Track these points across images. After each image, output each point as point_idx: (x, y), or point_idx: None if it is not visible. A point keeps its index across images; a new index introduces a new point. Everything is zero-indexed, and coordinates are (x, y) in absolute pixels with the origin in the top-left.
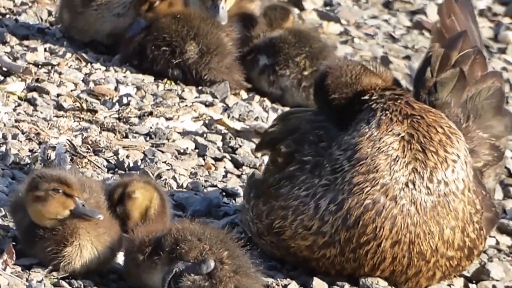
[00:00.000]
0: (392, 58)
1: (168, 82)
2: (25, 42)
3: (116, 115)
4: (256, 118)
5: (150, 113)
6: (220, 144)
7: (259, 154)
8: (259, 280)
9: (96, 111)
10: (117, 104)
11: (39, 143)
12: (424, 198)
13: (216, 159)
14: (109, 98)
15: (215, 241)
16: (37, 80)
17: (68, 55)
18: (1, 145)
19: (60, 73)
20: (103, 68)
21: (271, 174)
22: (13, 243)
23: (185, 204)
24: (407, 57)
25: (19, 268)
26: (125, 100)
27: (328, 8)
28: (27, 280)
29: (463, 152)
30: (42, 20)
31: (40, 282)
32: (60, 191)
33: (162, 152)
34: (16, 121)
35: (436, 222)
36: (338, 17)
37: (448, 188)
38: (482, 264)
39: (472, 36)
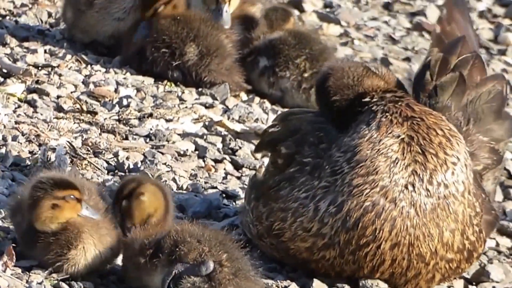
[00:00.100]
0: (392, 59)
1: (168, 83)
2: (25, 44)
3: (116, 117)
4: (256, 120)
5: (150, 115)
6: (220, 145)
7: (258, 155)
8: (258, 282)
9: (96, 113)
10: (117, 105)
11: (39, 145)
12: (424, 200)
13: (216, 161)
14: (109, 100)
15: (214, 243)
16: (37, 82)
17: (68, 56)
18: (1, 146)
19: (60, 75)
20: (103, 69)
21: (271, 175)
22: (13, 245)
23: (185, 205)
24: (407, 59)
25: (19, 270)
26: (125, 102)
27: (328, 9)
28: (27, 281)
29: (463, 154)
30: (42, 21)
31: (40, 283)
32: (72, 196)
33: (162, 153)
34: (16, 122)
35: (435, 224)
36: (338, 19)
37: (448, 191)
38: (482, 265)
39: (471, 41)
